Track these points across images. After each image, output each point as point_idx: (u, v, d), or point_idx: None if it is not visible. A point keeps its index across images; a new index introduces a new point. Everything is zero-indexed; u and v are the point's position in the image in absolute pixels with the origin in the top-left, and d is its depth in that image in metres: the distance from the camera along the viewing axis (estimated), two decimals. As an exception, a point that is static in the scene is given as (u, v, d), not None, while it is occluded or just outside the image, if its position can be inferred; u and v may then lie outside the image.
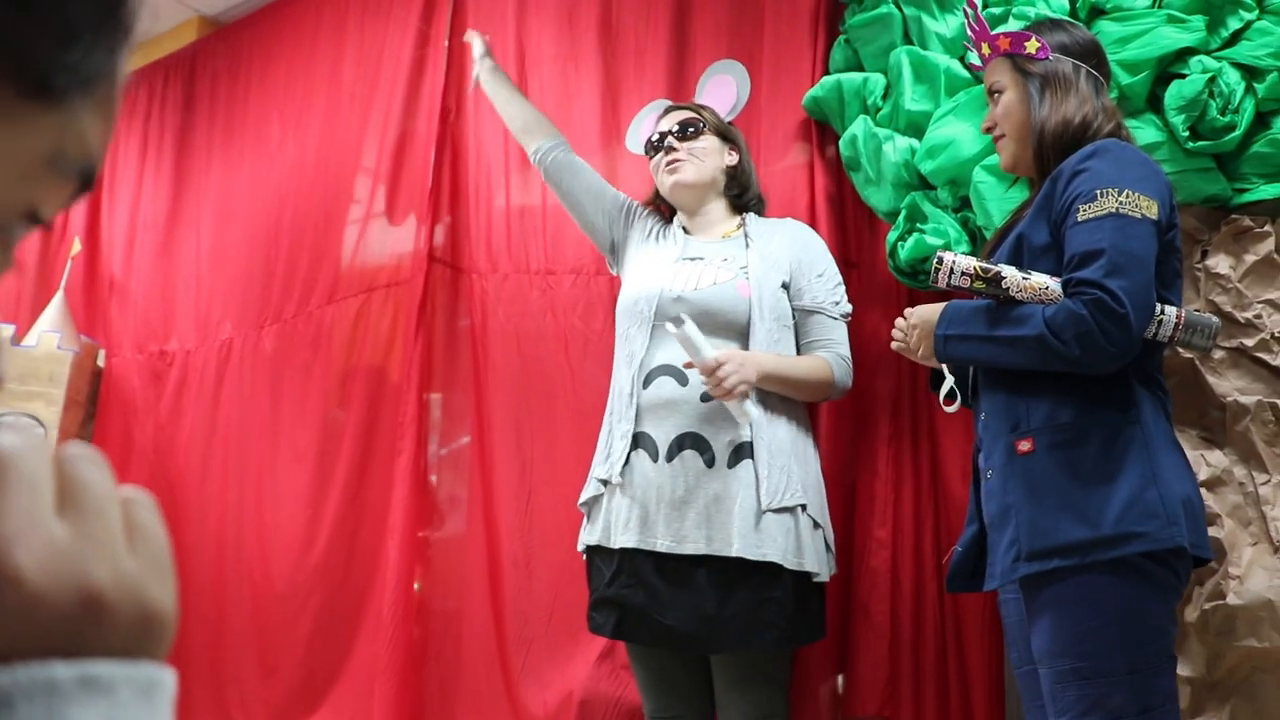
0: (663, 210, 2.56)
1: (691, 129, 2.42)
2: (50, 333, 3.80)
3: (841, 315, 2.33)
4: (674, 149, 2.40)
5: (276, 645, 3.23)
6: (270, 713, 3.19)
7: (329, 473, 3.23)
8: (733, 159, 2.46)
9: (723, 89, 2.56)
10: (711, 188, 2.43)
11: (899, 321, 1.98)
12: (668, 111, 2.51)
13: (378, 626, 2.93)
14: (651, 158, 2.47)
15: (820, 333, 2.29)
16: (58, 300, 3.94)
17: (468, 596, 2.92)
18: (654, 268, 2.36)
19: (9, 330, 3.78)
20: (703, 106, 2.50)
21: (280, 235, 3.63)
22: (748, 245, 2.34)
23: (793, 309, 2.30)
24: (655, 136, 2.46)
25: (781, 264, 2.31)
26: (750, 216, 2.44)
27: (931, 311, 1.89)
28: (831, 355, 2.28)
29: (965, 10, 2.07)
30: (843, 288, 2.37)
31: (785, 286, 2.29)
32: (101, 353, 4.02)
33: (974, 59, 2.08)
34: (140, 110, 4.26)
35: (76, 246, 4.13)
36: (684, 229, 2.46)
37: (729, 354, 2.11)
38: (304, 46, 3.79)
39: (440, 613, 2.95)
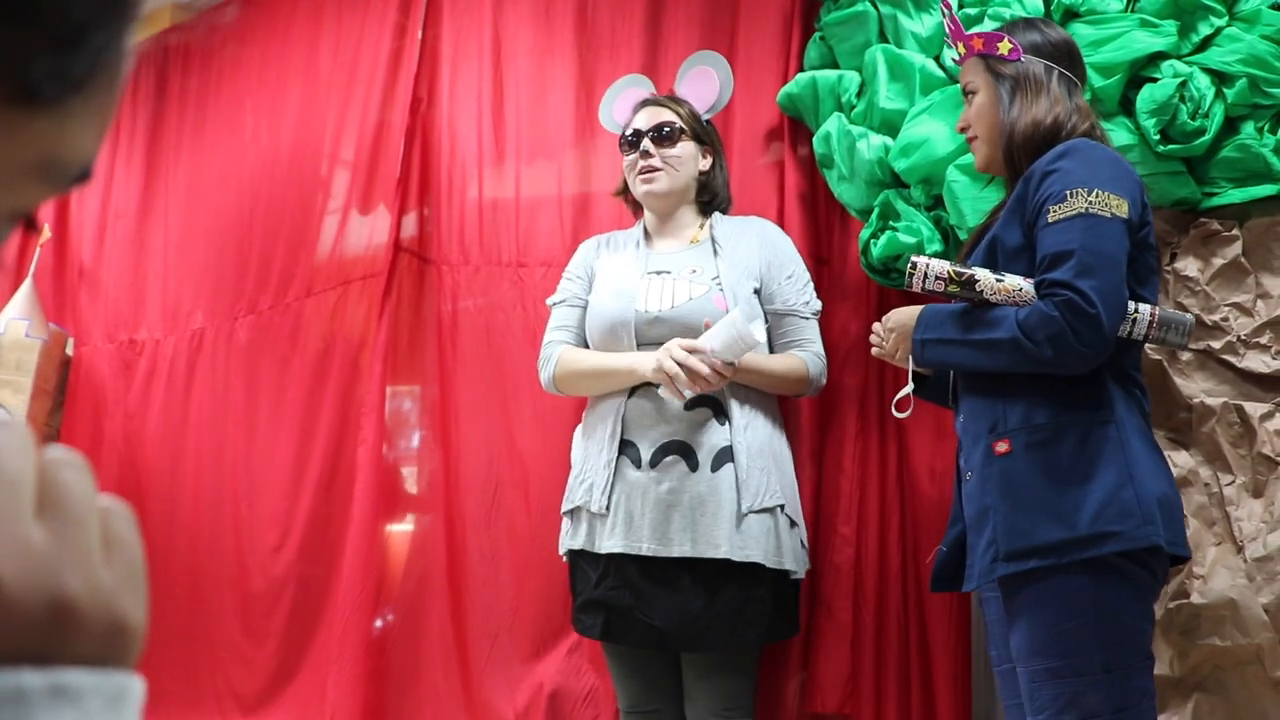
0: (629, 200, 2.55)
1: (668, 131, 2.38)
2: (18, 320, 3.75)
3: (813, 314, 2.36)
4: (649, 154, 2.37)
5: (253, 638, 3.22)
6: (243, 706, 3.18)
7: (304, 466, 3.22)
8: (706, 163, 2.44)
9: (703, 82, 2.51)
10: (683, 195, 2.42)
11: (876, 326, 1.99)
12: (646, 104, 2.47)
13: (337, 618, 2.92)
14: (625, 154, 2.45)
15: (795, 333, 2.32)
16: (26, 287, 3.90)
17: (429, 589, 2.91)
18: (621, 284, 2.34)
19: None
20: (680, 102, 2.46)
21: (254, 225, 3.60)
22: (716, 253, 2.33)
23: (765, 311, 2.31)
24: (630, 134, 2.43)
25: (752, 269, 2.31)
26: (716, 217, 2.43)
27: (909, 315, 1.90)
28: (808, 354, 2.30)
29: (941, 9, 2.08)
30: (811, 285, 2.39)
31: (757, 291, 2.30)
32: (70, 341, 3.98)
33: (955, 55, 2.08)
34: (112, 97, 4.22)
35: (46, 233, 4.09)
36: (645, 232, 2.46)
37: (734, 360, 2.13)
38: (278, 35, 3.76)
39: (402, 605, 2.94)
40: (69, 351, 3.96)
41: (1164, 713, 2.02)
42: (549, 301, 2.50)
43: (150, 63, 4.16)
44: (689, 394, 2.11)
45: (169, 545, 3.49)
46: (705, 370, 2.07)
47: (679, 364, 2.09)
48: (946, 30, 2.06)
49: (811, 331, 2.34)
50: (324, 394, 3.24)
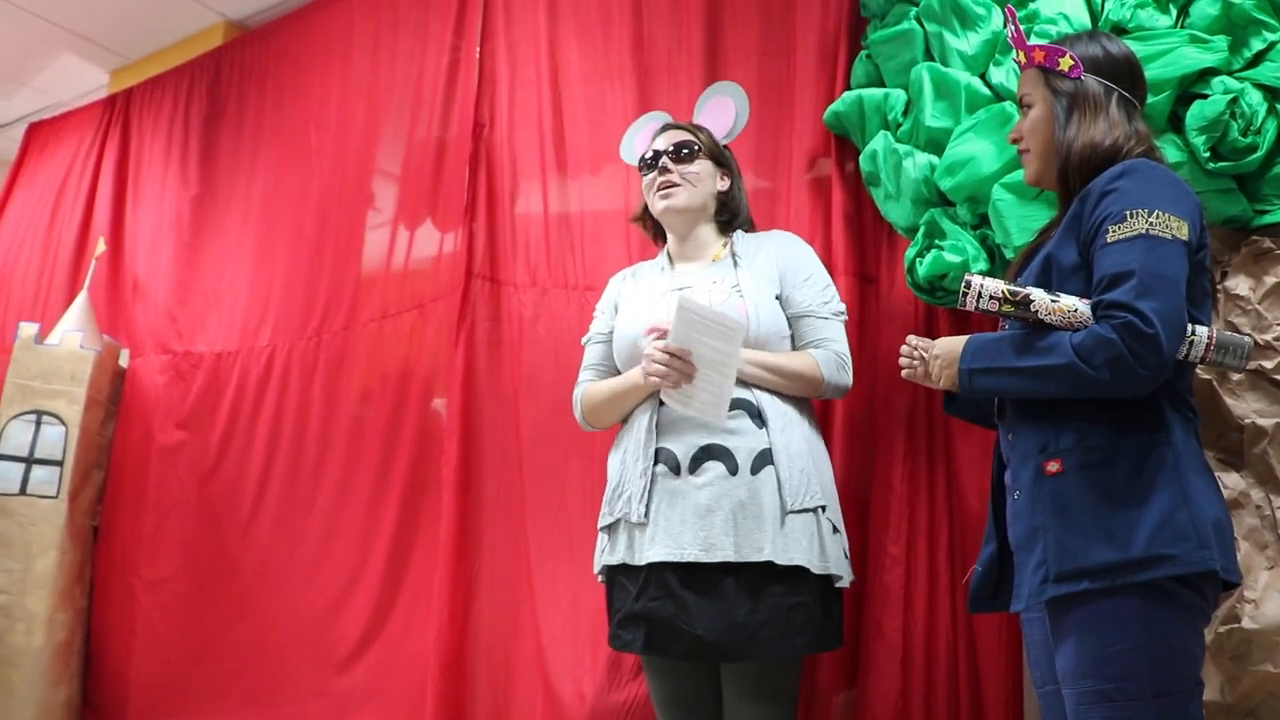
0: (649, 225, 2.57)
1: (686, 151, 2.40)
2: (73, 332, 3.83)
3: (833, 314, 2.32)
4: (668, 170, 2.39)
5: (335, 653, 3.26)
6: (325, 715, 3.23)
7: (384, 484, 3.28)
8: (724, 184, 2.45)
9: (721, 111, 2.53)
10: (702, 212, 2.42)
11: (904, 349, 1.95)
12: (665, 129, 2.49)
13: (417, 633, 2.97)
14: (645, 175, 2.46)
15: (813, 333, 2.29)
16: (81, 300, 3.98)
17: (508, 603, 2.96)
18: (643, 304, 2.35)
19: (33, 329, 3.81)
20: (699, 128, 2.48)
21: (323, 246, 3.65)
22: (736, 265, 2.34)
23: (786, 316, 2.29)
24: (649, 154, 2.45)
25: (771, 277, 2.31)
26: (737, 235, 2.43)
27: (954, 344, 1.86)
28: (823, 352, 2.27)
29: (1005, 15, 2.04)
30: (832, 289, 2.36)
31: (778, 298, 2.30)
32: (124, 353, 4.05)
33: (1019, 58, 2.04)
34: (165, 113, 4.30)
35: (101, 246, 4.17)
36: (669, 258, 2.46)
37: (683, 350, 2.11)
38: (337, 54, 3.80)
39: (482, 618, 3.00)
40: (123, 363, 4.03)
41: (1215, 738, 2.00)
42: (582, 340, 2.52)
43: (203, 79, 4.23)
44: (683, 398, 2.12)
45: (233, 550, 3.55)
46: (661, 357, 2.10)
47: (654, 359, 2.12)
48: (1009, 35, 2.02)
49: (831, 331, 2.30)
50: (396, 413, 3.29)
